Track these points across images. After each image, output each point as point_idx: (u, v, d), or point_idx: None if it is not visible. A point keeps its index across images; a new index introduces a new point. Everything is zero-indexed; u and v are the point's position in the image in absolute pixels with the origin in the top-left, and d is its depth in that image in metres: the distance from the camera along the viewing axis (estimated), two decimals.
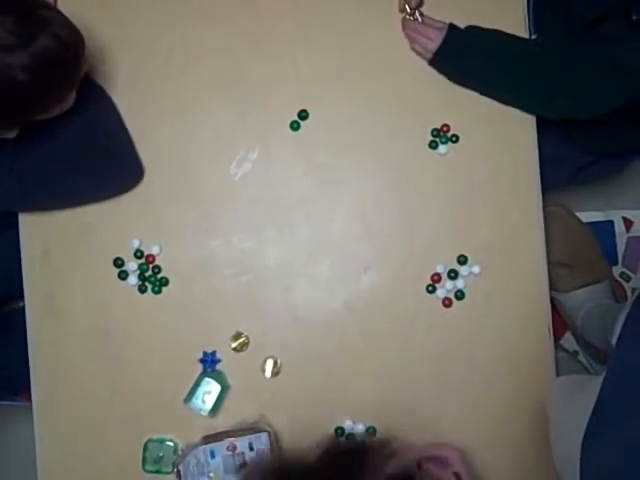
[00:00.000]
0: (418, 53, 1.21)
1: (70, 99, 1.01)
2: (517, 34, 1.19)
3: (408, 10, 1.19)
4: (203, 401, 1.15)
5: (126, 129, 1.17)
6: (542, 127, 1.22)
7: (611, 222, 1.69)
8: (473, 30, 1.17)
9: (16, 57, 0.85)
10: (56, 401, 1.18)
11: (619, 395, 0.86)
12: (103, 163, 1.12)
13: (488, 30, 1.18)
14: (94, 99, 1.15)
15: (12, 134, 0.98)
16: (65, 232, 1.19)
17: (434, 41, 1.16)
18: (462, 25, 1.17)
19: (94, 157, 1.11)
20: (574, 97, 1.16)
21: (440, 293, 1.20)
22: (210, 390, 1.16)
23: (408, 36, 1.20)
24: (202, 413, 1.16)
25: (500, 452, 1.19)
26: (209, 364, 1.18)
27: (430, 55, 1.18)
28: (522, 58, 1.16)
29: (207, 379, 1.16)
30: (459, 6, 1.20)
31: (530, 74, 1.16)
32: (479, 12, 1.20)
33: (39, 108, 0.96)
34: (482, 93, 1.20)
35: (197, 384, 1.16)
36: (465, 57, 1.18)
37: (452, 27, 1.16)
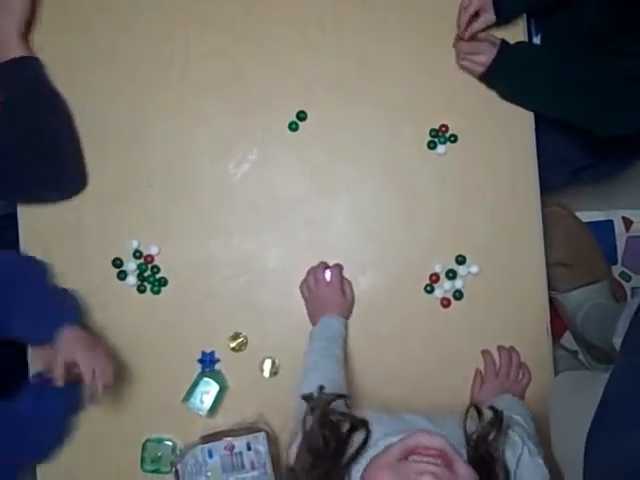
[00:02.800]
0: (466, 68, 1.19)
1: None
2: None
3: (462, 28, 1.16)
4: (201, 401, 1.16)
5: (76, 135, 1.16)
6: (542, 128, 1.22)
7: (611, 222, 1.70)
8: (525, 45, 1.15)
9: None
10: None
11: (624, 397, 0.86)
12: (45, 163, 1.12)
13: (539, 46, 1.17)
14: (46, 98, 1.14)
15: None
16: (64, 233, 1.19)
17: (487, 55, 1.14)
18: None
19: (37, 156, 1.11)
20: (612, 114, 1.13)
21: (438, 293, 1.20)
22: (208, 390, 1.16)
23: (459, 50, 1.18)
24: (200, 413, 1.16)
25: None
26: (207, 364, 1.18)
27: (482, 69, 1.16)
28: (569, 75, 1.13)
29: (205, 379, 1.16)
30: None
31: (574, 91, 1.13)
32: None
33: None
34: (532, 109, 1.19)
35: (195, 384, 1.16)
36: (518, 73, 1.15)
37: (505, 42, 1.14)
